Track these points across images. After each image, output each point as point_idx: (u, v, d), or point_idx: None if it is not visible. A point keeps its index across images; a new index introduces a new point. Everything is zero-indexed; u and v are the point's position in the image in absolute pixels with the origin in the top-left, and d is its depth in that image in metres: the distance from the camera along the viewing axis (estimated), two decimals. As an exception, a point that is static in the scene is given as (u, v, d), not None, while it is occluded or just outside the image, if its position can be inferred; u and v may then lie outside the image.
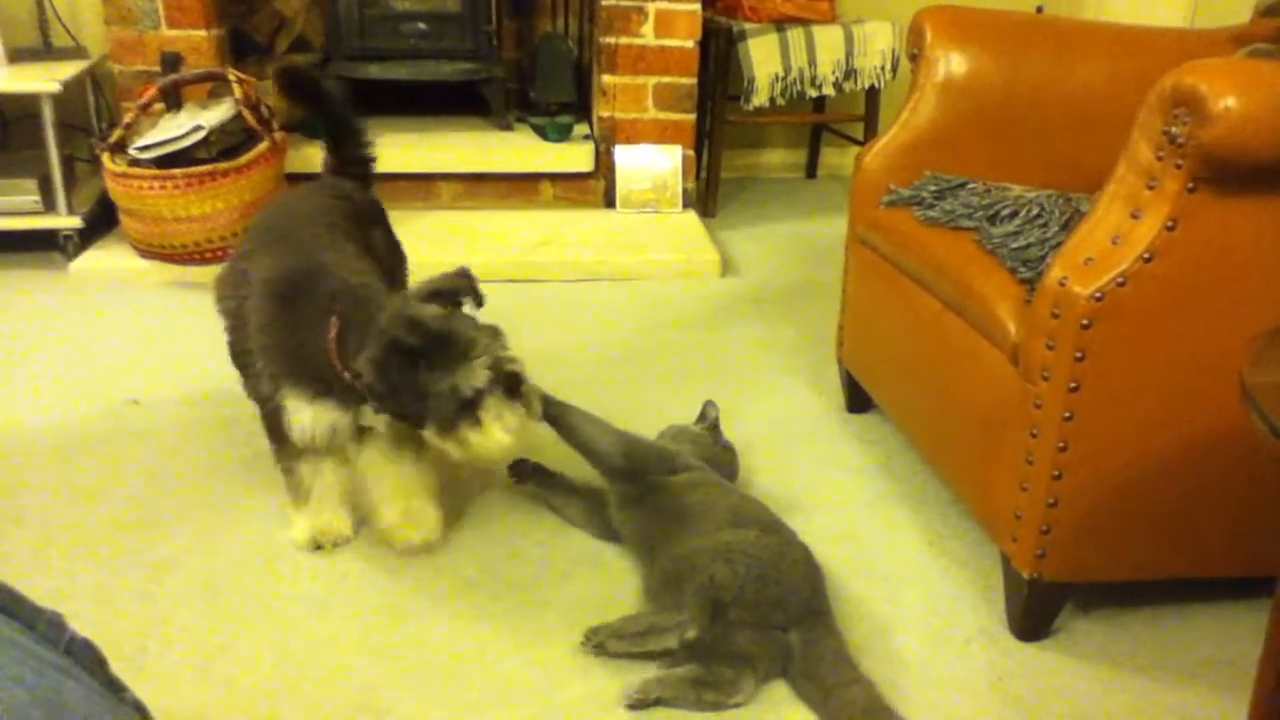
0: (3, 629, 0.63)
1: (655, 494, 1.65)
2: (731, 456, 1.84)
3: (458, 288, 1.58)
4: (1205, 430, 1.44)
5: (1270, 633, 1.16)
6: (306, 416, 1.61)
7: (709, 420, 1.87)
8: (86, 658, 0.69)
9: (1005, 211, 1.73)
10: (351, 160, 2.04)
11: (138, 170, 2.71)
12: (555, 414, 1.72)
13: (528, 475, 1.84)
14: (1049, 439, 1.44)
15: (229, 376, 2.28)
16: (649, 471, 1.67)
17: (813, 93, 3.40)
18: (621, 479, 1.69)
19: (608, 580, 1.66)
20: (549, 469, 1.84)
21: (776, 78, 3.32)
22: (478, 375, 1.47)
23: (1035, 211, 1.70)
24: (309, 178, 3.09)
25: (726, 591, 1.42)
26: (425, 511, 1.73)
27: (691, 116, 3.28)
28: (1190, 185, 1.33)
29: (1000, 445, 1.53)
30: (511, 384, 1.51)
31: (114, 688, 0.69)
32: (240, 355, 1.79)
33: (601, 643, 1.46)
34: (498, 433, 1.49)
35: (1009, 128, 2.02)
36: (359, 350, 1.50)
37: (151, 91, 2.84)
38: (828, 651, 1.42)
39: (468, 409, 1.48)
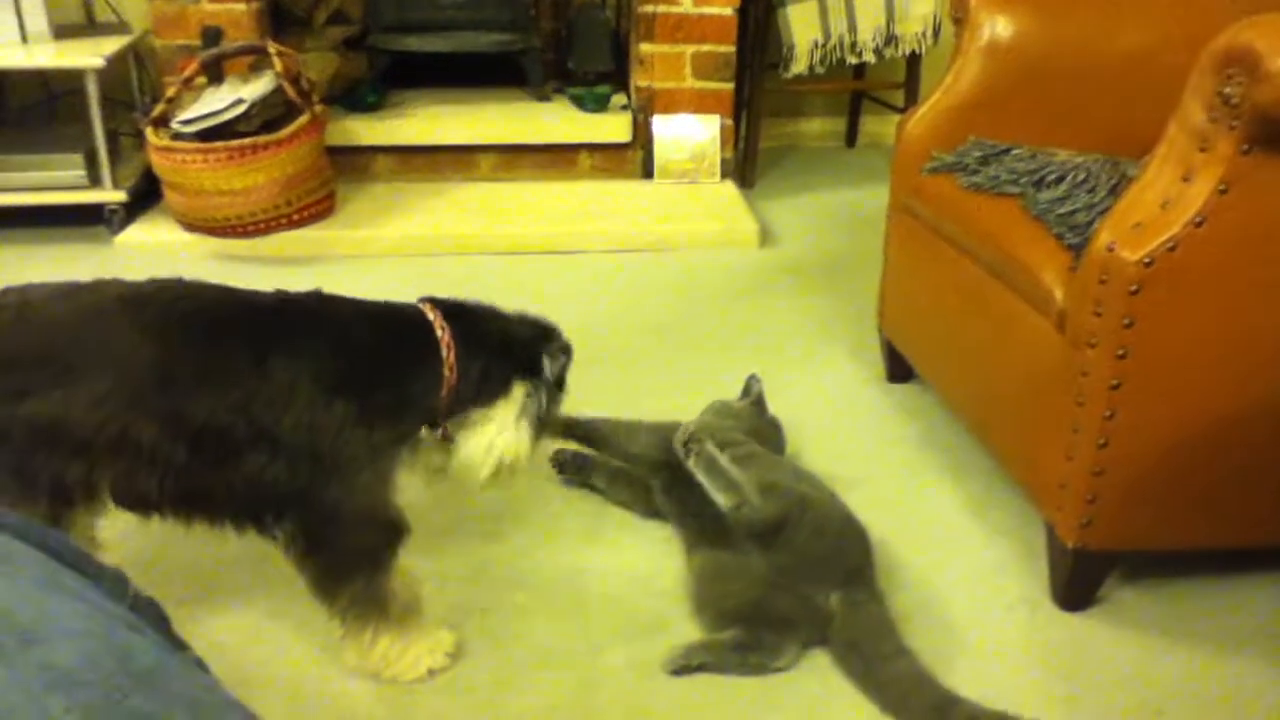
0: (72, 584, 0.65)
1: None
2: (776, 432, 1.83)
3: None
4: (1255, 398, 1.42)
5: (1322, 602, 1.15)
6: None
7: (753, 394, 1.85)
8: (150, 614, 0.71)
9: (1051, 177, 1.71)
10: None
11: (180, 144, 2.73)
12: (582, 433, 1.73)
13: (569, 465, 1.81)
14: (1095, 407, 1.42)
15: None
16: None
17: (853, 59, 3.36)
18: (666, 470, 1.68)
19: (650, 549, 1.67)
20: (589, 455, 1.82)
21: (816, 44, 3.28)
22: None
23: (1082, 176, 1.67)
24: (350, 151, 3.14)
25: (787, 529, 1.42)
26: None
27: (730, 85, 3.25)
28: (1244, 147, 1.30)
29: (1045, 414, 1.52)
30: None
31: (177, 644, 0.71)
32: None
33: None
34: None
35: (1055, 91, 1.99)
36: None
37: (193, 65, 2.86)
38: (870, 619, 1.42)
39: None
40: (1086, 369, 1.42)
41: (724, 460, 1.48)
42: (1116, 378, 1.40)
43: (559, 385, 1.48)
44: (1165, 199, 1.36)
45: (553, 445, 1.70)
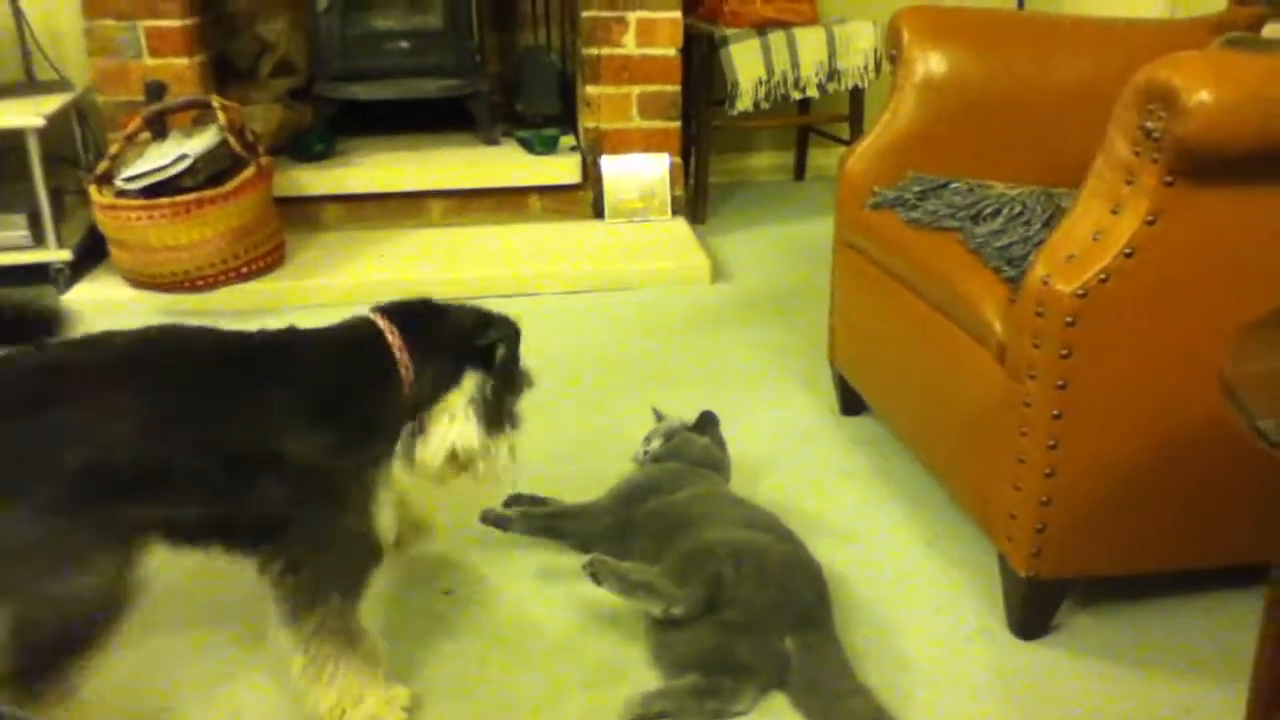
0: None
1: (660, 515, 1.65)
2: (722, 453, 1.85)
3: None
4: (1193, 422, 1.45)
5: (1265, 620, 1.17)
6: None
7: (708, 431, 1.87)
8: None
9: (988, 210, 1.74)
10: None
11: (125, 201, 2.71)
12: (537, 527, 1.74)
13: (493, 520, 1.74)
14: (1039, 437, 1.44)
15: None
16: (642, 500, 1.69)
17: (797, 95, 3.41)
18: (623, 527, 1.68)
19: (614, 613, 1.66)
20: (532, 510, 1.77)
21: (760, 81, 3.33)
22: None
23: (1018, 209, 1.71)
24: (299, 201, 3.13)
25: (726, 589, 1.42)
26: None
27: (677, 124, 3.29)
28: (1168, 179, 1.33)
29: (991, 445, 1.54)
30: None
31: None
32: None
33: (597, 574, 1.44)
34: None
35: (991, 125, 2.03)
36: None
37: (136, 121, 2.85)
38: (827, 660, 1.42)
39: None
40: (1028, 400, 1.44)
41: (632, 573, 1.46)
42: (1058, 408, 1.42)
43: (509, 369, 1.53)
44: (1096, 231, 1.39)
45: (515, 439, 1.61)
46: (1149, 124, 1.32)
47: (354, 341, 1.45)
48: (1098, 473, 1.46)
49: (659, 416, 1.94)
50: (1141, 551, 1.54)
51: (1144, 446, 1.46)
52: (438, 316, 1.50)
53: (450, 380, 1.47)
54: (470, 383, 1.48)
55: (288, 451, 1.33)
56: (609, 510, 1.71)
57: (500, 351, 1.50)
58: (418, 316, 1.48)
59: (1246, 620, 1.59)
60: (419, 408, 1.46)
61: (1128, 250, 1.35)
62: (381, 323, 1.45)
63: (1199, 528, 1.52)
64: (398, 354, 1.42)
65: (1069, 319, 1.38)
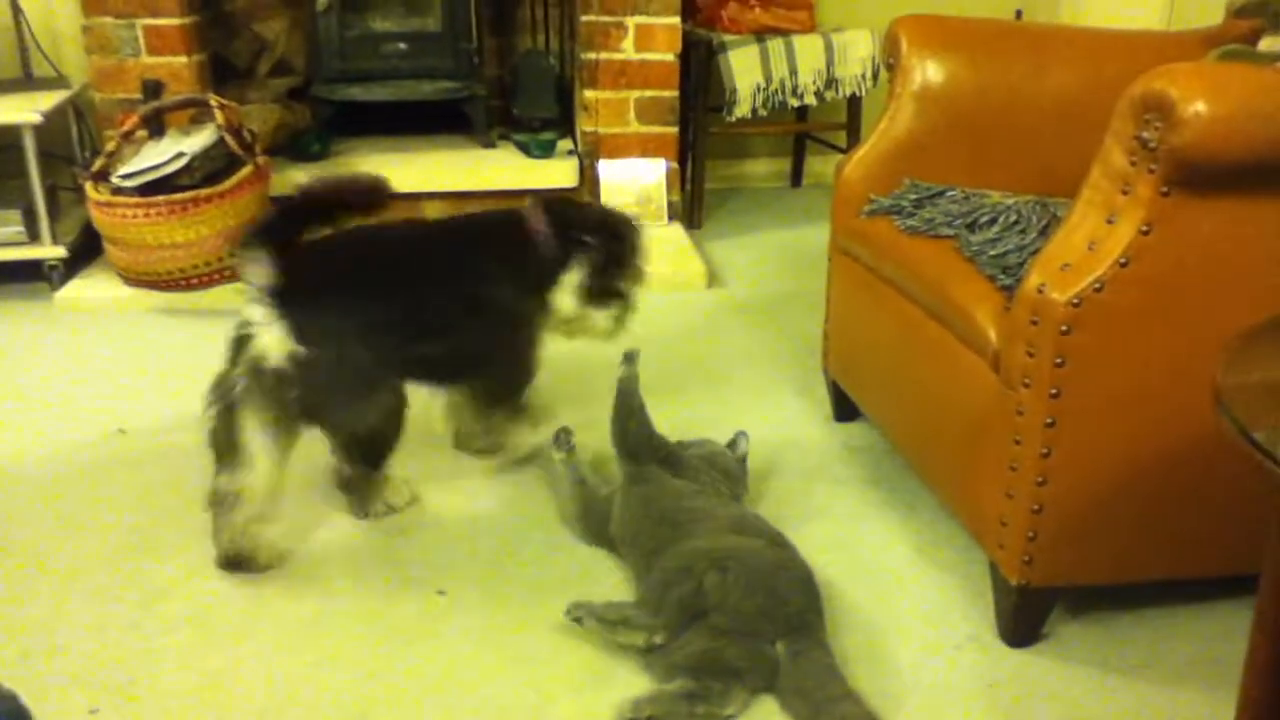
0: None
1: (658, 497, 1.67)
2: (742, 472, 1.87)
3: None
4: (1185, 432, 1.45)
5: (1254, 630, 1.17)
6: None
7: (738, 451, 1.89)
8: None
9: (984, 219, 1.74)
10: None
11: (121, 198, 2.71)
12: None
13: (563, 444, 1.91)
14: (1032, 445, 1.44)
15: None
16: (647, 449, 1.74)
17: (794, 102, 3.42)
18: (628, 456, 1.75)
19: (600, 599, 1.66)
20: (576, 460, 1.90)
21: (758, 88, 3.34)
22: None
23: (1013, 218, 1.71)
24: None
25: (711, 598, 1.42)
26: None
27: (674, 129, 3.30)
28: (1163, 189, 1.34)
29: (984, 452, 1.54)
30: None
31: None
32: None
33: (580, 618, 1.52)
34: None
35: (987, 134, 2.03)
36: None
37: (133, 119, 2.84)
38: (816, 665, 1.42)
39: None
40: (1022, 408, 1.45)
41: (608, 613, 1.51)
42: (1051, 416, 1.42)
43: (612, 259, 1.98)
44: (1091, 240, 1.39)
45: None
46: (1145, 134, 1.33)
47: (512, 222, 1.93)
48: (1090, 481, 1.47)
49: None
50: (1132, 561, 1.54)
51: (1136, 455, 1.46)
52: (568, 211, 1.96)
53: (567, 259, 1.93)
54: (578, 265, 1.93)
55: (493, 298, 1.85)
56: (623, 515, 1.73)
57: (598, 246, 1.94)
58: (554, 210, 1.94)
59: (1236, 630, 1.59)
60: (552, 276, 1.93)
61: (1123, 260, 1.36)
62: (529, 210, 1.93)
63: (1190, 537, 1.53)
64: (537, 236, 1.91)
65: (1063, 327, 1.38)
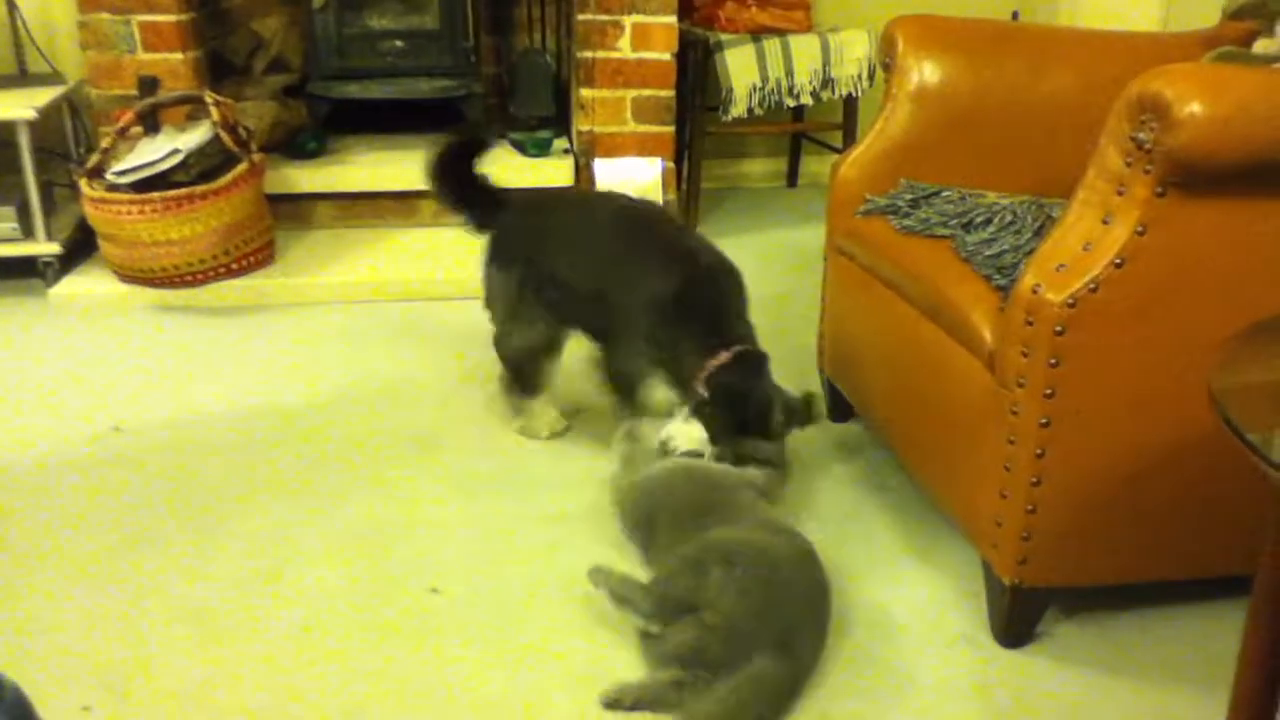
0: None
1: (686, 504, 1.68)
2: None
3: None
4: (1180, 433, 1.45)
5: (1248, 631, 1.17)
6: None
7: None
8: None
9: (979, 219, 1.74)
10: None
11: (115, 195, 2.70)
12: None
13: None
14: (1026, 446, 1.45)
15: (212, 399, 2.29)
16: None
17: (791, 102, 3.42)
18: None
19: (598, 613, 1.65)
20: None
21: (754, 88, 3.33)
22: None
23: (1009, 218, 1.71)
24: (291, 198, 3.12)
25: (709, 592, 1.42)
26: None
27: (670, 129, 3.29)
28: (1159, 190, 1.34)
29: (979, 452, 1.54)
30: None
31: None
32: None
33: (599, 584, 1.55)
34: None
35: (983, 134, 2.04)
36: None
37: (128, 116, 2.84)
38: (763, 689, 1.40)
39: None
40: (1016, 408, 1.45)
41: (620, 587, 1.53)
42: (1045, 416, 1.42)
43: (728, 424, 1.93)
44: (1086, 241, 1.39)
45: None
46: (1141, 135, 1.33)
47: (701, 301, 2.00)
48: (1084, 482, 1.47)
49: None
50: (1127, 561, 1.54)
51: (1131, 456, 1.46)
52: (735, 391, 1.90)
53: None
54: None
55: (618, 298, 1.98)
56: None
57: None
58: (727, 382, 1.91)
59: (1230, 630, 1.59)
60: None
61: (1118, 260, 1.36)
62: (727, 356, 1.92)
63: (1185, 538, 1.53)
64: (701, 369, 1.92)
65: (1058, 328, 1.38)
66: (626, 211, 2.10)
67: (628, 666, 1.50)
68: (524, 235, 2.09)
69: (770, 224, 3.57)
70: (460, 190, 2.15)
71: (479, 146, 2.16)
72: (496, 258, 2.11)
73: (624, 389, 2.04)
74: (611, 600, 1.52)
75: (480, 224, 2.15)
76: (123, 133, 2.84)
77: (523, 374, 2.13)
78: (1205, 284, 1.39)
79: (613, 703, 1.40)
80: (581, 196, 2.20)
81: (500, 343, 2.14)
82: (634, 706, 1.40)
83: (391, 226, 3.22)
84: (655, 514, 1.70)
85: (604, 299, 1.98)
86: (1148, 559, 1.54)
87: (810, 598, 1.51)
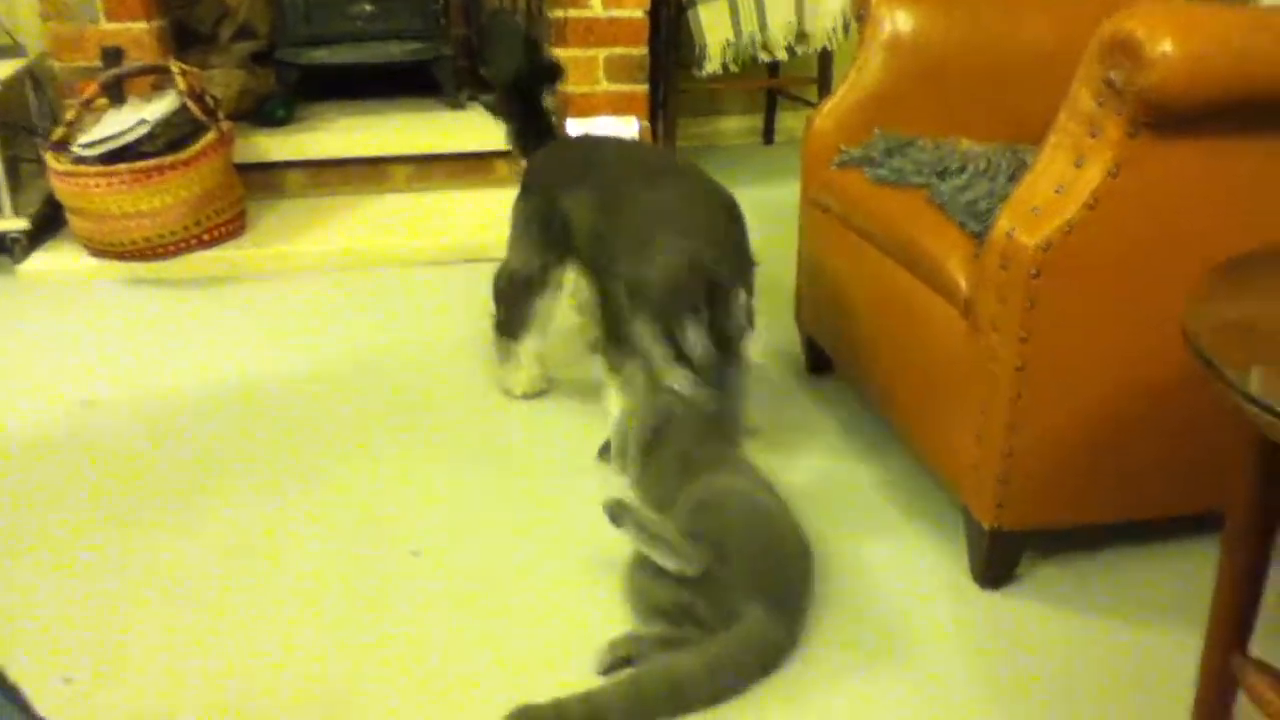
0: None
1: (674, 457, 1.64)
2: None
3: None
4: (1154, 374, 1.46)
5: (1221, 565, 1.18)
6: None
7: None
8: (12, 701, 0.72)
9: (954, 166, 1.74)
10: None
11: (83, 168, 2.66)
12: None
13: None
14: (1002, 390, 1.45)
15: (186, 372, 2.27)
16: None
17: (765, 57, 3.39)
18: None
19: (584, 576, 1.65)
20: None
21: (728, 44, 3.31)
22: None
23: (983, 165, 1.71)
24: (261, 167, 3.09)
25: (735, 539, 1.42)
26: None
27: (644, 87, 3.26)
28: (1131, 131, 1.33)
29: (956, 398, 1.54)
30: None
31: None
32: None
33: (618, 516, 1.43)
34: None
35: (958, 83, 2.02)
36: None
37: (93, 87, 2.79)
38: (743, 635, 1.40)
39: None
40: (992, 353, 1.45)
41: (653, 525, 1.44)
42: (1021, 360, 1.43)
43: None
44: (1060, 184, 1.39)
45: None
46: (1112, 75, 1.32)
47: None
48: (1060, 425, 1.47)
49: None
50: (1103, 502, 1.55)
51: (1106, 398, 1.47)
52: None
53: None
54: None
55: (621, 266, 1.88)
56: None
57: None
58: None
59: (1205, 566, 1.61)
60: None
61: (1091, 202, 1.36)
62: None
63: (1160, 478, 1.54)
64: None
65: (1033, 271, 1.38)
66: (650, 159, 2.10)
67: (614, 626, 1.50)
68: (546, 169, 2.10)
69: (747, 181, 3.55)
70: (520, 113, 2.20)
71: (552, 76, 2.25)
72: (521, 189, 2.14)
73: (613, 328, 1.98)
74: (640, 539, 1.42)
75: (523, 150, 2.20)
76: (88, 105, 2.80)
77: (510, 308, 2.10)
78: (1179, 225, 1.39)
79: (608, 665, 1.39)
80: (613, 142, 2.20)
81: (497, 273, 2.14)
82: (627, 660, 1.39)
83: (364, 193, 3.19)
84: (658, 449, 1.66)
85: (605, 238, 1.93)
86: (1124, 499, 1.55)
87: (797, 552, 1.51)
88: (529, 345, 2.12)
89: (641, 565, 1.47)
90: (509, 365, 2.15)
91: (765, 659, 1.41)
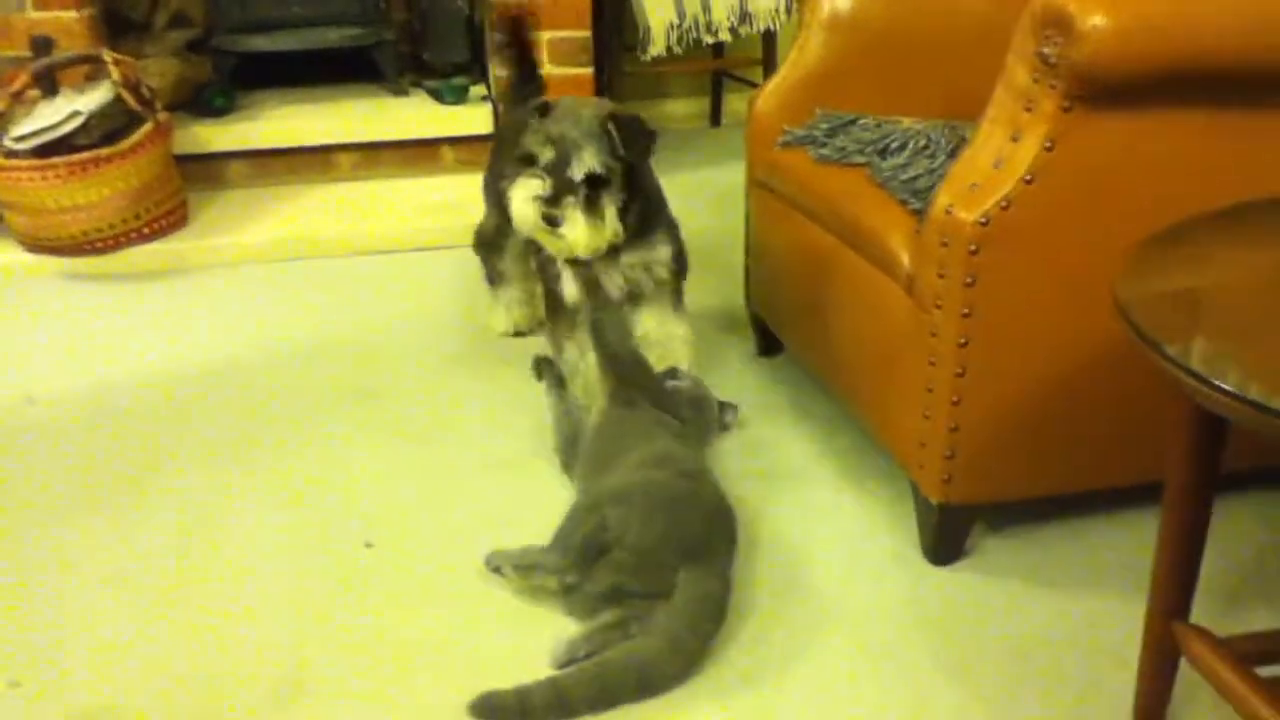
0: None
1: (605, 430, 1.72)
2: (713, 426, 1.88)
3: None
4: (1096, 346, 1.48)
5: (1161, 534, 1.21)
6: None
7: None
8: None
9: (895, 145, 1.75)
10: None
11: (15, 161, 2.60)
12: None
13: (544, 372, 1.93)
14: (946, 366, 1.46)
15: (125, 370, 2.23)
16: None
17: (709, 39, 3.38)
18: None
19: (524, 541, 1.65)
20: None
21: (672, 26, 3.30)
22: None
23: (923, 143, 1.72)
24: (202, 158, 3.03)
25: (613, 532, 1.43)
26: None
27: (589, 70, 3.24)
28: (1065, 105, 1.34)
29: (901, 375, 1.56)
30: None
31: None
32: None
33: (499, 566, 1.54)
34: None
35: (899, 60, 2.03)
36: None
37: (23, 78, 2.72)
38: (687, 597, 1.42)
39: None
40: (935, 329, 1.46)
41: (523, 558, 1.52)
42: (963, 336, 1.44)
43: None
44: (997, 159, 1.40)
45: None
46: (1046, 50, 1.33)
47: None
48: (1004, 399, 1.49)
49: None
50: (1049, 474, 1.57)
51: (1049, 371, 1.49)
52: None
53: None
54: None
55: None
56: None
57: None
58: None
59: (1149, 535, 1.62)
60: None
61: (1028, 177, 1.37)
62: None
63: (1103, 449, 1.56)
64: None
65: (972, 247, 1.39)
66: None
67: (556, 610, 1.50)
68: (511, 128, 2.16)
69: (694, 164, 3.55)
70: (516, 59, 2.40)
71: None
72: (493, 145, 2.31)
73: (552, 309, 2.06)
74: (517, 574, 1.51)
75: (523, 100, 2.26)
76: (18, 96, 2.73)
77: (483, 261, 2.32)
78: (1115, 198, 1.40)
79: (565, 662, 1.38)
80: (581, 101, 2.13)
81: (477, 226, 2.32)
82: (587, 657, 1.39)
83: (308, 182, 3.15)
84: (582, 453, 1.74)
85: None
86: (1069, 471, 1.57)
87: (710, 508, 1.52)
88: (502, 294, 2.32)
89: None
90: (491, 307, 2.34)
91: (714, 612, 1.43)
